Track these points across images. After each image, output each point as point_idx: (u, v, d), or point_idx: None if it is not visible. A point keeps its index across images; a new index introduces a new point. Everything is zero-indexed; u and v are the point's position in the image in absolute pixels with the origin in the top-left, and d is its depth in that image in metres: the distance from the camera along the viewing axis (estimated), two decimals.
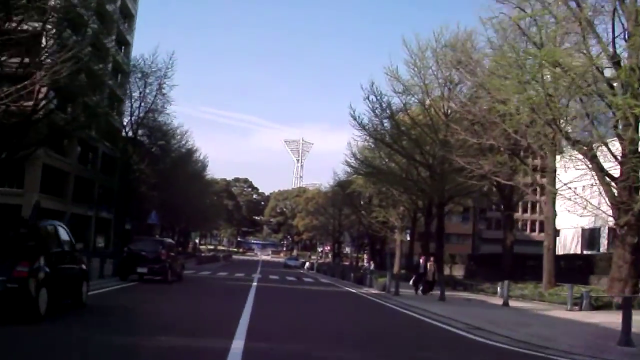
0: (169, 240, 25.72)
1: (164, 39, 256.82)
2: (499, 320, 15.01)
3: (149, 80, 57.22)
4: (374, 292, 25.57)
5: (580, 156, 24.16)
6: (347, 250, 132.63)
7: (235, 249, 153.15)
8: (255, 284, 26.01)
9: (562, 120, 23.77)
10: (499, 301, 24.07)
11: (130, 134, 56.92)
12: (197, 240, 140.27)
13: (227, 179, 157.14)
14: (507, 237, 34.53)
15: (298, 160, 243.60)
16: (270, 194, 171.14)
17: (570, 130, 24.50)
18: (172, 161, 63.37)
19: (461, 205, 53.36)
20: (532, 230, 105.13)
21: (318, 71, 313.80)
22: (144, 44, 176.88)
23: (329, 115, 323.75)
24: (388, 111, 44.19)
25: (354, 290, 26.91)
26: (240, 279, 30.15)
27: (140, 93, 58.02)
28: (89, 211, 53.67)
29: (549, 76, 23.40)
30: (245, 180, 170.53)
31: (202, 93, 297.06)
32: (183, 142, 63.61)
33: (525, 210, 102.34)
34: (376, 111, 43.84)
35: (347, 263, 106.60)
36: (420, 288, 24.91)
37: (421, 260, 25.15)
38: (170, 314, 12.13)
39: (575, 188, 26.95)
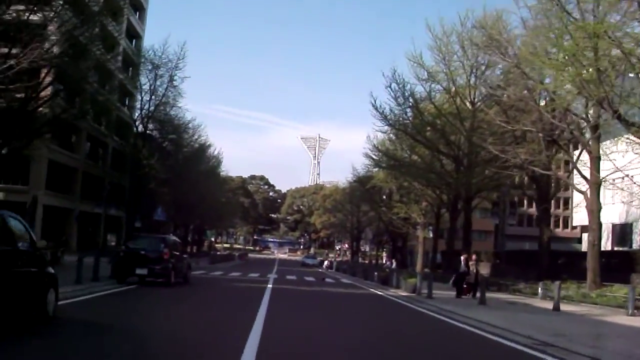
0: (173, 237, 22.83)
1: (176, 34, 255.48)
2: (566, 331, 12.33)
3: (159, 72, 54.98)
4: (403, 294, 22.89)
5: (636, 139, 21.36)
6: (366, 248, 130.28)
7: (251, 247, 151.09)
8: (270, 286, 23.43)
9: (614, 100, 20.89)
10: (544, 304, 21.35)
11: (140, 128, 54.69)
12: (212, 239, 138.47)
13: (243, 176, 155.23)
14: (544, 233, 31.64)
15: (315, 157, 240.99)
16: (287, 191, 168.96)
17: (623, 112, 21.58)
18: (185, 157, 61.03)
19: (488, 200, 50.24)
20: (556, 226, 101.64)
21: (333, 68, 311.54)
22: (156, 38, 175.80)
23: (345, 113, 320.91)
24: (411, 100, 41.49)
25: (380, 293, 24.22)
26: (254, 280, 27.51)
27: (150, 85, 55.87)
28: (97, 208, 51.49)
29: (598, 51, 20.55)
30: (262, 178, 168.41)
31: (216, 91, 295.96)
32: (195, 137, 61.14)
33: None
34: (398, 100, 41.18)
35: (366, 261, 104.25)
36: (453, 286, 22.18)
37: (462, 259, 22.24)
38: (158, 332, 9.42)
39: (631, 176, 24.03)
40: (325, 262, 58.27)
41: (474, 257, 21.68)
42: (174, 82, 54.55)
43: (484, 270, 56.99)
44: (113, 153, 58.24)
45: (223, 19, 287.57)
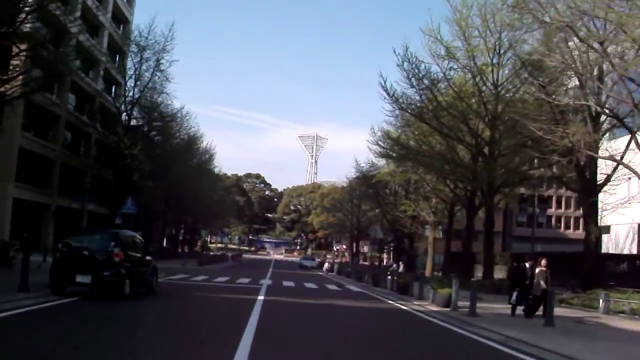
0: (129, 232, 16.86)
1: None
2: None
3: (145, 54, 49.91)
4: (433, 309, 17.75)
5: None
6: (365, 249, 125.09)
7: (247, 248, 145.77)
8: (262, 297, 18.14)
9: None
10: (616, 322, 16.31)
11: (124, 116, 49.62)
12: (207, 239, 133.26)
13: (239, 174, 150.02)
14: (592, 232, 26.44)
15: (312, 156, 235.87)
16: (284, 190, 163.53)
17: None
18: (173, 148, 55.86)
19: (511, 197, 45.21)
20: (567, 227, 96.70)
21: (331, 69, 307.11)
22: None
23: (343, 114, 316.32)
24: (426, 81, 36.36)
25: (403, 307, 18.98)
26: (243, 289, 22.25)
27: (135, 70, 50.77)
28: (74, 203, 46.34)
29: None
30: (257, 176, 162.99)
31: (211, 91, 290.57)
32: (185, 126, 55.83)
33: (559, 206, 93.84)
34: (411, 80, 36.05)
35: (367, 263, 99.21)
36: (516, 305, 16.85)
37: (527, 265, 16.47)
38: None
39: None
40: (326, 264, 53.06)
41: (543, 262, 16.12)
42: (160, 66, 49.56)
43: (499, 274, 52.14)
44: (97, 145, 52.93)
45: (220, 18, 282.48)
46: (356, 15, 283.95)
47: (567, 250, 58.59)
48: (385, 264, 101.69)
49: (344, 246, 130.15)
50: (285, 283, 28.08)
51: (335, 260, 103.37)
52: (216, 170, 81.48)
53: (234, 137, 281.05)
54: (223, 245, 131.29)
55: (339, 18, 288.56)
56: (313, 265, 64.02)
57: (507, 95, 35.11)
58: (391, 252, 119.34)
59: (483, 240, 37.04)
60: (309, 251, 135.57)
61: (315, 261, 69.19)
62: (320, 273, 51.79)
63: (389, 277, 27.22)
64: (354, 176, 63.67)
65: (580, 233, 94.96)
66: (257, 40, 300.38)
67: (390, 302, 20.70)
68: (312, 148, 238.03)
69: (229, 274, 33.84)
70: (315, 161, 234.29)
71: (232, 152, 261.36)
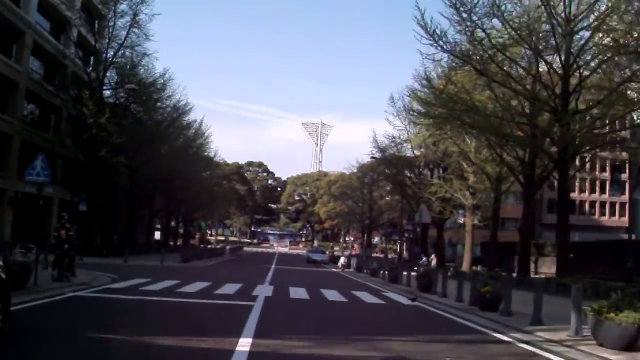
0: None
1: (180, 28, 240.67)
2: None
3: (119, 7, 41.02)
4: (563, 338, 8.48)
5: None
6: (376, 239, 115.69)
7: (248, 240, 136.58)
8: (243, 347, 8.28)
9: None
10: None
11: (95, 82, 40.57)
12: (207, 231, 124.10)
13: (240, 162, 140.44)
14: None
15: (317, 144, 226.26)
16: (288, 179, 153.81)
17: None
18: (155, 121, 46.78)
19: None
20: (602, 214, 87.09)
21: (333, 59, 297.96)
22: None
23: (346, 107, 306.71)
24: (478, 17, 26.86)
25: (529, 347, 9.62)
26: (215, 316, 12.10)
27: (108, 27, 41.74)
28: (28, 187, 37.14)
29: None
30: (260, 164, 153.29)
31: (212, 84, 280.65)
32: (168, 93, 46.42)
33: (583, 190, 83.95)
34: (462, 14, 26.54)
35: (380, 255, 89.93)
36: None
37: None
38: None
39: None
40: (342, 259, 43.11)
41: None
42: (138, 21, 40.56)
43: (547, 268, 43.03)
44: (71, 121, 43.44)
45: (223, 12, 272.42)
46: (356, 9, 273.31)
47: (600, 238, 51.05)
48: (404, 255, 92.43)
49: (352, 237, 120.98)
50: (293, 291, 18.40)
51: (345, 253, 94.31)
52: (212, 154, 71.85)
53: (235, 129, 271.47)
54: (224, 238, 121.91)
55: (340, 12, 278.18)
56: (323, 259, 54.63)
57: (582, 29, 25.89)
58: (404, 243, 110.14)
59: (557, 225, 27.74)
60: (316, 243, 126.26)
61: (326, 254, 59.66)
62: (334, 270, 42.46)
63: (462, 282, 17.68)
64: (371, 153, 53.97)
65: (616, 220, 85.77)
66: (259, 33, 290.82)
67: (490, 332, 11.28)
68: (317, 136, 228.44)
69: (214, 276, 24.62)
70: (321, 149, 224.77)
71: (233, 145, 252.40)
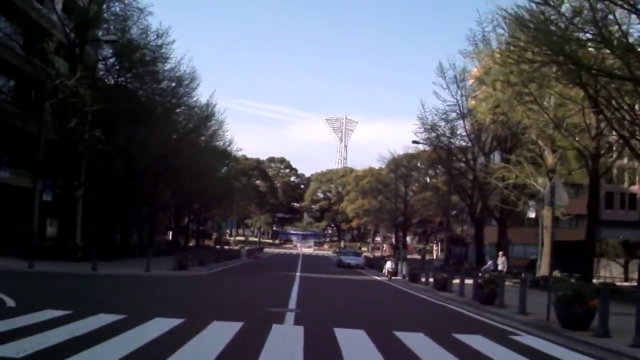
0: None
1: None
2: None
3: None
4: None
5: None
6: (408, 239, 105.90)
7: (270, 240, 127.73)
8: None
9: None
10: None
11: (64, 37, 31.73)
12: (228, 231, 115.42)
13: (261, 158, 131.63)
14: None
15: (341, 140, 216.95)
16: (311, 175, 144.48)
17: None
18: (150, 90, 38.05)
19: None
20: None
21: (355, 59, 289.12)
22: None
23: (368, 105, 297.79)
24: None
25: None
26: None
27: None
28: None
29: None
30: (282, 160, 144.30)
31: (236, 85, 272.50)
32: (169, 58, 37.36)
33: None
34: None
35: (417, 256, 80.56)
36: None
37: None
38: None
39: None
40: (388, 264, 32.53)
41: None
42: None
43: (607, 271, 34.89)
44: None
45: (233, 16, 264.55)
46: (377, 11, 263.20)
47: None
48: (436, 257, 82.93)
49: (381, 237, 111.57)
50: (345, 346, 8.74)
51: (376, 254, 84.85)
52: (227, 144, 62.21)
53: (255, 129, 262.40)
54: (243, 238, 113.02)
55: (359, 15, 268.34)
56: (358, 263, 45.12)
57: None
58: (438, 243, 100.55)
59: None
60: (342, 244, 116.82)
61: (362, 257, 49.84)
62: (378, 278, 32.89)
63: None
64: (417, 132, 44.45)
65: None
66: (278, 32, 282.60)
67: None
68: (341, 132, 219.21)
69: (202, 299, 15.76)
70: (345, 146, 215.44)
71: (253, 145, 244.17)
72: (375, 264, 44.21)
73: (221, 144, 58.67)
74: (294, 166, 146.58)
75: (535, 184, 33.02)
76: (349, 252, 53.05)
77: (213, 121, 51.29)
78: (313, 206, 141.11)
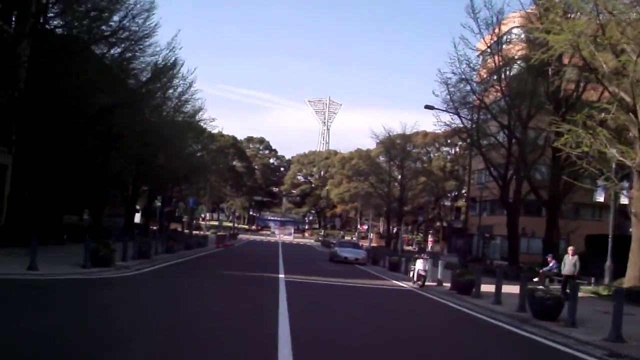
0: None
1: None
2: None
3: None
4: None
5: None
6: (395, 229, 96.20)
7: (246, 226, 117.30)
8: None
9: None
10: None
11: None
12: (202, 215, 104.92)
13: (238, 137, 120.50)
14: None
15: (324, 123, 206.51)
16: (292, 157, 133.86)
17: None
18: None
19: None
20: None
21: (336, 46, 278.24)
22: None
23: (351, 93, 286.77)
24: None
25: None
26: None
27: None
28: None
29: None
30: (261, 140, 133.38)
31: (217, 69, 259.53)
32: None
33: None
34: None
35: (410, 248, 71.05)
36: None
37: None
38: None
39: None
40: (419, 264, 21.07)
41: None
42: None
43: None
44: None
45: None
46: None
47: None
48: (441, 251, 72.92)
49: (367, 226, 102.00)
50: None
51: (364, 245, 75.09)
52: (196, 112, 51.70)
53: (236, 115, 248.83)
54: (218, 223, 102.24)
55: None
56: (359, 257, 34.93)
57: None
58: (428, 233, 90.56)
59: None
60: (323, 232, 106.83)
61: (363, 251, 39.14)
62: (401, 285, 22.18)
63: None
64: (446, 83, 34.52)
65: None
66: (263, 18, 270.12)
67: None
68: (324, 115, 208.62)
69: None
70: (328, 129, 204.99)
71: (232, 129, 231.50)
72: (380, 259, 34.37)
73: (190, 110, 48.28)
74: (273, 147, 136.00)
75: (616, 155, 23.41)
76: (347, 243, 41.73)
77: (179, 79, 41.42)
78: (293, 190, 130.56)
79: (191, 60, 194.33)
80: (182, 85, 43.20)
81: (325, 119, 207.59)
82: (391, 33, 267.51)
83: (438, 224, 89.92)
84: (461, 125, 36.65)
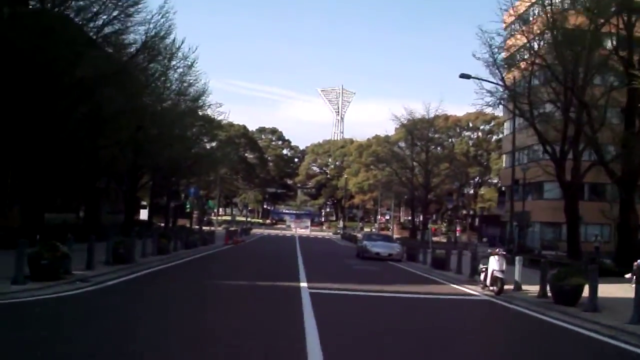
0: None
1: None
2: None
3: None
4: None
5: None
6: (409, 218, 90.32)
7: (260, 220, 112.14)
8: None
9: None
10: None
11: None
12: (215, 210, 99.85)
13: (249, 128, 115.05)
14: None
15: (337, 113, 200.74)
16: (307, 147, 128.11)
17: None
18: None
19: None
20: None
21: (347, 33, 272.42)
22: None
23: (359, 83, 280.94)
24: None
25: None
26: None
27: None
28: None
29: None
30: (274, 131, 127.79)
31: (224, 65, 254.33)
32: None
33: None
34: None
35: (437, 239, 65.43)
36: None
37: None
38: None
39: None
40: (494, 263, 16.50)
41: None
42: None
43: None
44: None
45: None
46: None
47: None
48: (469, 240, 66.97)
49: (385, 217, 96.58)
50: None
51: (385, 233, 69.39)
52: (200, 95, 46.36)
53: (247, 110, 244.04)
54: (230, 218, 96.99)
55: None
56: (393, 253, 29.20)
57: None
58: (455, 222, 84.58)
59: None
60: (341, 223, 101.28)
61: (397, 244, 32.99)
62: (470, 292, 15.77)
63: None
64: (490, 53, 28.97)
65: None
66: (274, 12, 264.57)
67: None
68: (337, 104, 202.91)
69: None
70: (342, 118, 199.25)
71: (245, 123, 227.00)
72: (417, 254, 28.89)
73: (193, 91, 43.05)
74: (287, 138, 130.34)
75: None
76: (377, 237, 34.83)
77: (179, 59, 36.57)
78: (308, 182, 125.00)
79: (202, 58, 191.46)
80: (182, 66, 38.59)
81: (338, 108, 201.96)
82: (405, 18, 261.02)
83: (464, 212, 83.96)
84: (507, 93, 30.97)
